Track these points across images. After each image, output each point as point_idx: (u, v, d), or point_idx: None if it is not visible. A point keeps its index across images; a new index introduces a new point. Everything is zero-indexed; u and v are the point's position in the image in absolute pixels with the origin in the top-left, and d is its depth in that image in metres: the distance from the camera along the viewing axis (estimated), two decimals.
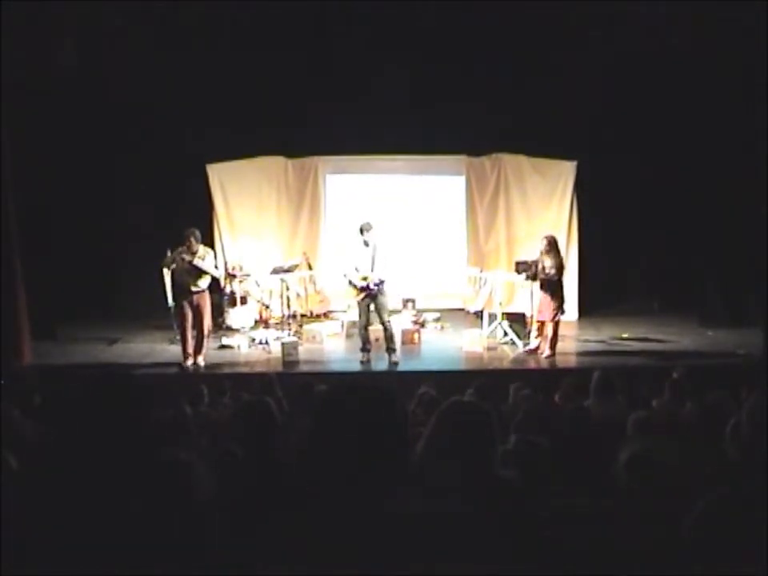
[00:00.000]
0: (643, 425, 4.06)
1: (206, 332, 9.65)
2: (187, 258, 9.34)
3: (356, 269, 9.22)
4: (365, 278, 9.16)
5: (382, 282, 9.20)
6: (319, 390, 6.03)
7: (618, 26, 10.44)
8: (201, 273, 9.43)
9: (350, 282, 9.29)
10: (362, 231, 9.23)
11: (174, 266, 9.51)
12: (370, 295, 9.22)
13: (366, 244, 9.23)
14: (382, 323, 9.39)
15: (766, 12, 8.97)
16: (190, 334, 9.53)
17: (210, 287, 9.72)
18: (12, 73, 9.14)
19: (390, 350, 9.46)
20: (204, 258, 9.46)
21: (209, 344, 10.03)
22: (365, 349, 9.51)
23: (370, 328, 9.52)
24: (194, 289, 9.43)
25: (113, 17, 10.05)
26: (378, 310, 9.29)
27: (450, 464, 2.49)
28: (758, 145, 9.88)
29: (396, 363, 9.43)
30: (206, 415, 6.00)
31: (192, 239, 9.37)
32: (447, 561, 1.68)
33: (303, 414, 5.31)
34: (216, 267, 9.83)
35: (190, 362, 9.55)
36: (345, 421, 1.73)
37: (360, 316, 9.45)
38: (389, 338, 9.41)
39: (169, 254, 9.61)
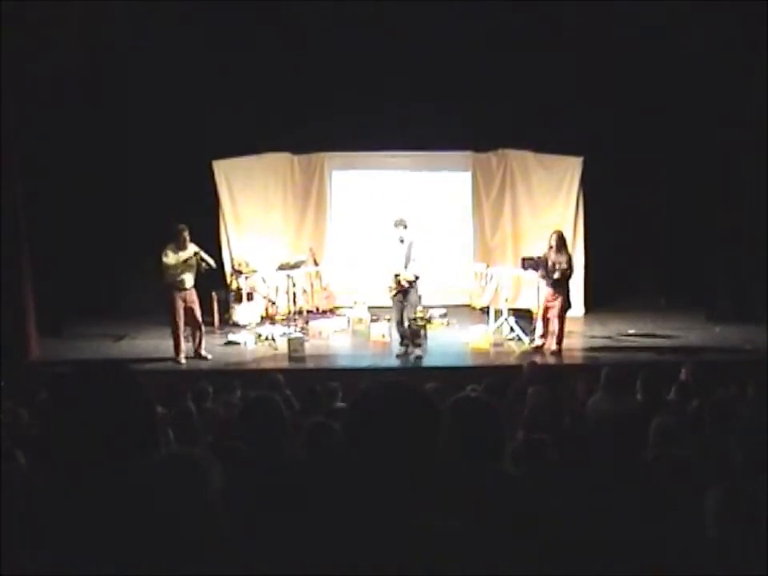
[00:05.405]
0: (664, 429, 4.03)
1: (199, 326, 9.65)
2: (172, 252, 9.31)
3: (390, 265, 9.30)
4: (397, 276, 9.23)
5: (416, 279, 9.30)
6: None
7: (626, 20, 10.39)
8: (190, 268, 9.39)
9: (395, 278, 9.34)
10: (395, 226, 9.28)
11: (165, 261, 9.36)
12: (402, 291, 9.32)
13: (401, 240, 9.27)
14: (408, 320, 9.49)
15: (766, 12, 8.93)
16: (182, 330, 9.56)
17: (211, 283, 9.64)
18: (14, 73, 9.13)
19: (415, 344, 9.54)
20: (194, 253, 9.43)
21: (215, 340, 9.97)
22: (403, 343, 9.63)
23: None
24: (187, 285, 9.42)
25: (119, 15, 10.05)
26: (406, 307, 9.39)
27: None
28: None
29: (420, 357, 9.50)
30: (210, 412, 6.00)
31: (184, 235, 9.34)
32: (450, 561, 1.68)
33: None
34: (206, 261, 9.56)
35: (187, 358, 9.62)
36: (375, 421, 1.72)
37: (395, 312, 9.54)
38: (414, 333, 9.54)
39: (170, 252, 9.42)
